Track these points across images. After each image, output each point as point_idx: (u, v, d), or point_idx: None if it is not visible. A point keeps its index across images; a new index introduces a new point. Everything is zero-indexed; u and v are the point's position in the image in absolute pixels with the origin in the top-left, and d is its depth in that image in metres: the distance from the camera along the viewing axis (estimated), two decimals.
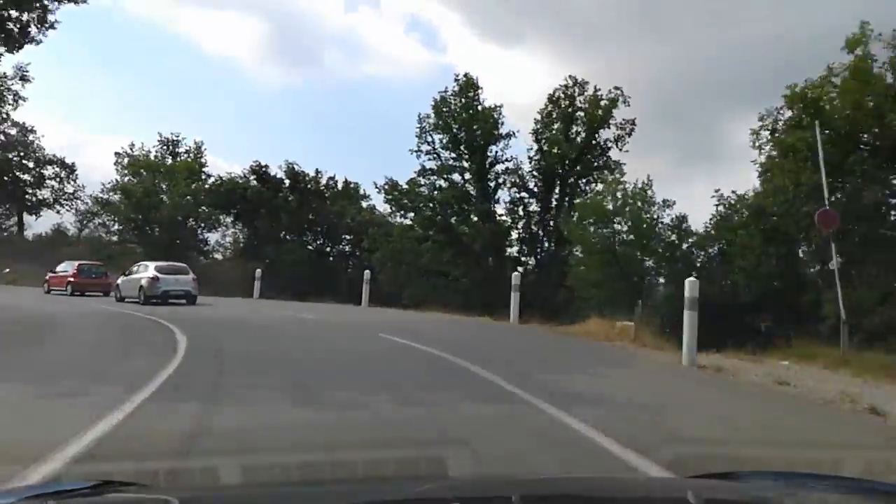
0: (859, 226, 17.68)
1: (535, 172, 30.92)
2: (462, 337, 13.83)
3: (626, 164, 30.29)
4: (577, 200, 28.08)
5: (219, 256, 45.09)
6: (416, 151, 31.32)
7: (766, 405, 7.82)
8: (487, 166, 31.36)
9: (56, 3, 23.07)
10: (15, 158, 41.62)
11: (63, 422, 5.00)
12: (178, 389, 6.56)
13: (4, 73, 30.79)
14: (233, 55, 66.51)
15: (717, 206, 22.91)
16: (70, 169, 42.69)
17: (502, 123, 31.04)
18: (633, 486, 2.26)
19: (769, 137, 20.11)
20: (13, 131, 41.41)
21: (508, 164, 31.31)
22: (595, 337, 14.64)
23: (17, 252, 37.98)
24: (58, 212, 42.78)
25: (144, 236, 35.85)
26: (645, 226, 23.48)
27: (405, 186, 31.17)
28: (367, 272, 25.35)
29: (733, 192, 22.74)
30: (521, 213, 31.22)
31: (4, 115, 39.87)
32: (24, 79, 30.64)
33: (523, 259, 32.33)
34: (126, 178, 36.25)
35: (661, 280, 25.04)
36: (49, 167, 42.55)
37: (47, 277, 27.61)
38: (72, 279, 26.06)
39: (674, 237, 24.13)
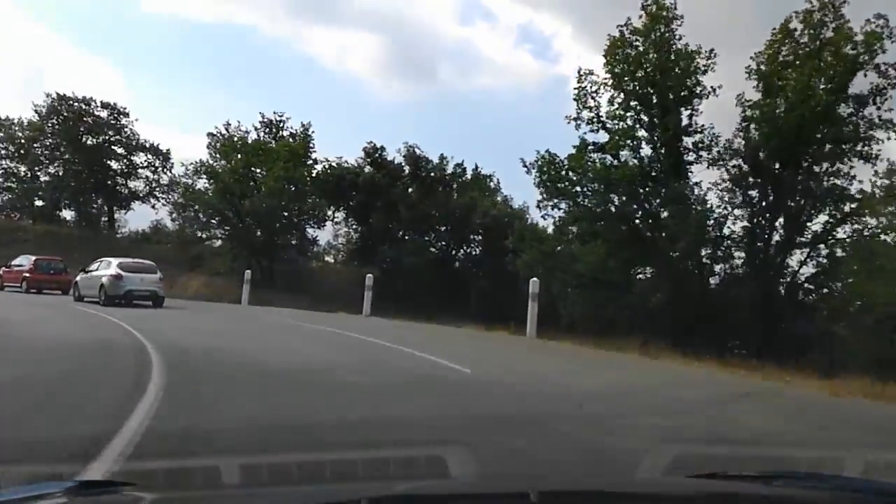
0: None
1: (752, 142, 21.18)
2: None
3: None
4: None
5: (330, 259, 38.43)
6: (574, 119, 22.39)
7: None
8: (681, 135, 22.03)
9: None
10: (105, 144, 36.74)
11: None
12: None
13: None
14: (352, 70, 65.84)
15: None
16: (164, 157, 37.35)
17: (704, 71, 21.61)
18: (633, 486, 2.24)
19: None
20: (103, 113, 36.56)
21: (702, 134, 21.92)
22: None
23: (106, 251, 32.71)
24: (153, 206, 37.59)
25: (236, 232, 29.18)
26: None
27: (564, 161, 22.31)
28: (533, 282, 16.89)
29: None
30: (738, 199, 21.57)
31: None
32: None
33: (718, 267, 22.82)
34: (218, 163, 29.79)
35: None
36: (141, 154, 37.40)
37: (0, 273, 25.72)
38: (28, 275, 24.20)
39: None
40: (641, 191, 21.92)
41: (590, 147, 22.41)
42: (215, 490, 2.46)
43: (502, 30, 68.27)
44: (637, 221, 22.35)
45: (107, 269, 19.48)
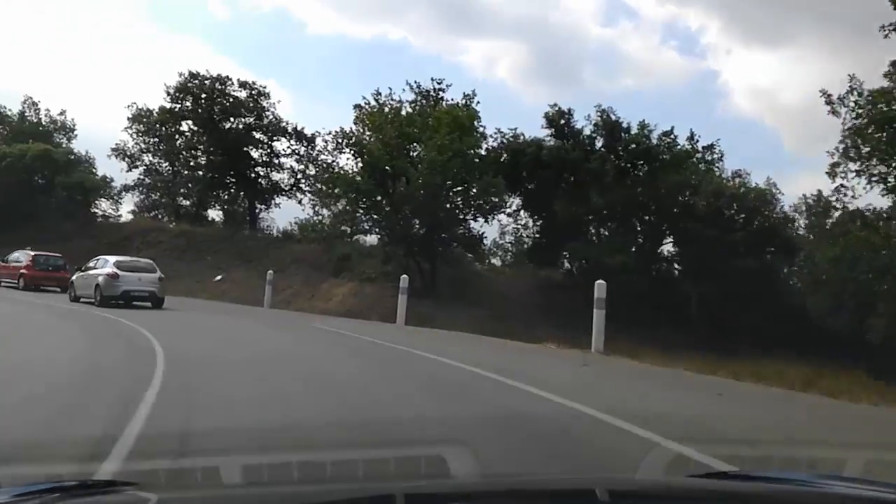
0: None
1: None
2: None
3: None
4: None
5: (496, 261, 31.27)
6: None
7: None
8: None
9: None
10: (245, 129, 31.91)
11: None
12: None
13: None
14: (499, 77, 65.74)
15: None
16: (309, 141, 31.92)
17: None
18: (633, 486, 2.28)
19: None
20: (241, 94, 31.77)
21: None
22: None
23: (242, 252, 27.76)
24: (299, 201, 32.32)
25: (388, 222, 22.46)
26: None
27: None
28: None
29: None
30: None
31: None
32: None
33: None
34: (367, 139, 23.28)
35: None
36: (283, 139, 32.20)
37: None
38: (25, 271, 23.14)
39: None
40: None
41: None
42: (216, 490, 2.30)
43: (646, 28, 66.51)
44: None
45: (103, 267, 18.22)
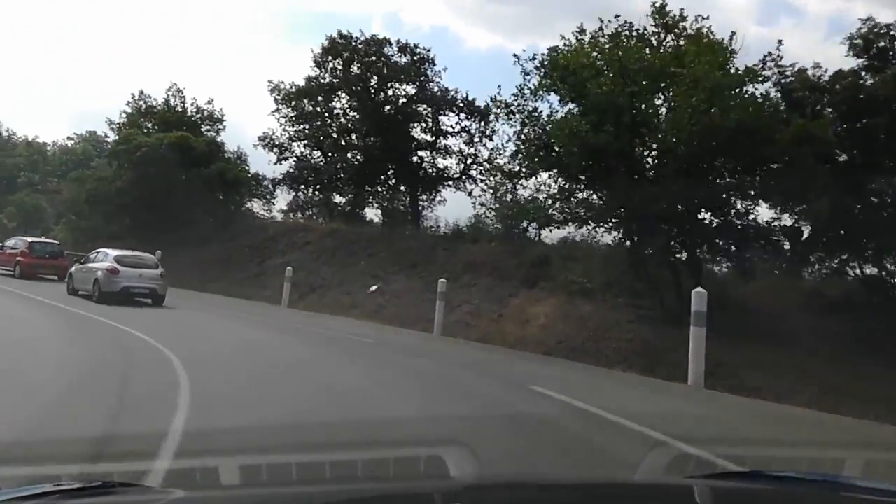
0: None
1: None
2: None
3: None
4: None
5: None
6: None
7: None
8: None
9: None
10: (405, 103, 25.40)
11: None
12: None
13: None
14: None
15: None
16: (482, 116, 24.76)
17: None
18: (633, 486, 2.25)
19: None
20: (402, 60, 25.25)
21: None
22: None
23: (402, 256, 21.20)
24: (469, 193, 25.39)
25: (628, 199, 13.92)
26: None
27: None
28: None
29: None
30: None
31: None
32: None
33: None
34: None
35: None
36: (450, 114, 25.32)
37: None
38: (21, 259, 22.06)
39: None
40: None
41: None
42: (214, 490, 2.37)
43: (809, 24, 63.30)
44: None
45: (103, 261, 17.33)
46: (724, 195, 14.26)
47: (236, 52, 63.99)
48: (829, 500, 1.81)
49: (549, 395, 7.96)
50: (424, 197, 26.30)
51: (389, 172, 26.61)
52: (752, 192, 14.44)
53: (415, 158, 25.86)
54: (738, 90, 14.04)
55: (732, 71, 14.19)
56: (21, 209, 47.45)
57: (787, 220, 16.22)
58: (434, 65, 25.22)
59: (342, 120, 26.38)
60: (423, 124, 25.55)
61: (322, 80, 24.97)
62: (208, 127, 30.25)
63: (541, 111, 14.32)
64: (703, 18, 15.24)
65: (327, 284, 21.04)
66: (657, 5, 15.09)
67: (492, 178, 22.43)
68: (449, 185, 25.88)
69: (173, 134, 26.42)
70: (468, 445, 3.60)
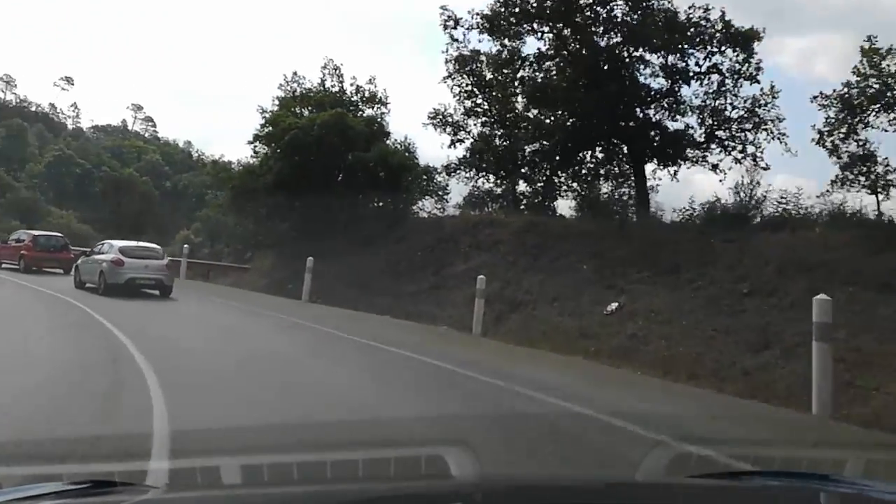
0: None
1: None
2: None
3: None
4: None
5: None
6: None
7: None
8: None
9: None
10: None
11: None
12: None
13: None
14: (818, 74, 49.69)
15: None
16: (745, 43, 16.57)
17: None
18: (633, 486, 2.25)
19: None
20: None
21: None
22: None
23: (652, 251, 13.79)
24: (713, 167, 17.36)
25: None
26: None
27: None
28: None
29: None
30: None
31: None
32: None
33: None
34: None
35: None
36: (694, 49, 17.31)
37: None
38: (25, 252, 21.69)
39: None
40: None
41: None
42: (216, 490, 2.31)
43: None
44: None
45: (108, 252, 16.92)
46: None
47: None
48: (829, 500, 1.76)
49: None
50: (661, 172, 18.56)
51: (600, 144, 19.22)
52: None
53: (641, 119, 18.21)
54: None
55: None
56: (206, 225, 47.98)
57: None
58: None
59: (536, 72, 19.28)
60: (652, 66, 17.80)
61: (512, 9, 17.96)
62: (370, 111, 24.81)
63: None
64: None
65: (533, 299, 14.19)
66: None
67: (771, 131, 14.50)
68: (695, 154, 17.94)
69: (327, 112, 21.12)
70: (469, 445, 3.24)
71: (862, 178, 14.19)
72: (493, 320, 13.65)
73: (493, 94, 21.98)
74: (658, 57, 17.61)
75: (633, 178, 18.73)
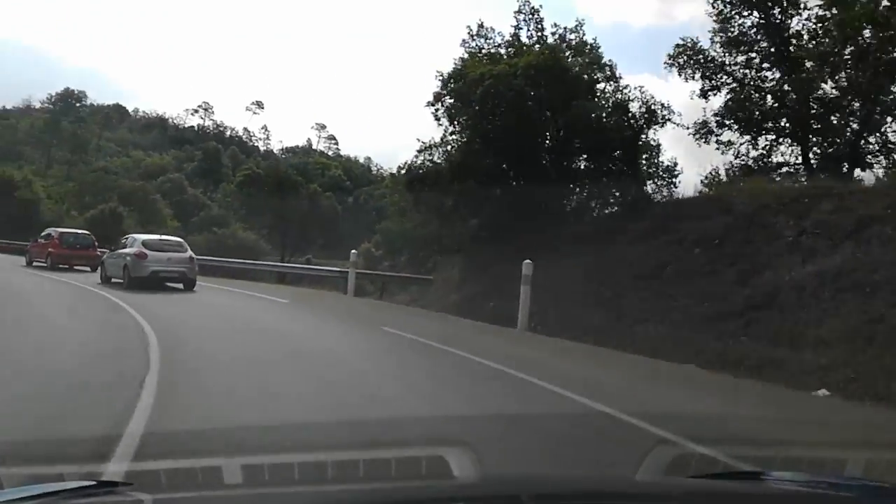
0: None
1: None
2: None
3: None
4: None
5: None
6: None
7: None
8: None
9: None
10: None
11: None
12: None
13: None
14: None
15: None
16: None
17: None
18: (633, 486, 2.16)
19: None
20: None
21: None
22: None
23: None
24: None
25: None
26: None
27: None
28: None
29: None
30: None
31: None
32: None
33: None
34: None
35: None
36: None
37: (28, 247, 23.50)
38: (52, 249, 21.87)
39: None
40: None
41: None
42: (216, 490, 2.30)
43: None
44: None
45: (132, 246, 16.77)
46: None
47: None
48: (829, 500, 1.77)
49: None
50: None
51: None
52: None
53: None
54: None
55: None
56: (386, 237, 46.28)
57: None
58: None
59: None
60: None
61: None
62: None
63: None
64: None
65: None
66: None
67: None
68: None
69: (533, 53, 14.58)
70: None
71: None
72: None
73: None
74: None
75: None
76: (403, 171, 16.78)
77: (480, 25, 17.16)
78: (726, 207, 12.02)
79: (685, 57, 16.10)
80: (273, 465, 2.84)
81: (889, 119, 15.64)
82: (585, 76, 15.60)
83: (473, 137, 15.02)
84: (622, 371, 8.21)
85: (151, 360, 6.66)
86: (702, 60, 16.17)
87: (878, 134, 15.91)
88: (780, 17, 16.19)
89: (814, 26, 15.50)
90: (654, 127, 15.74)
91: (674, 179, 16.24)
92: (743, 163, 16.51)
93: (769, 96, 16.57)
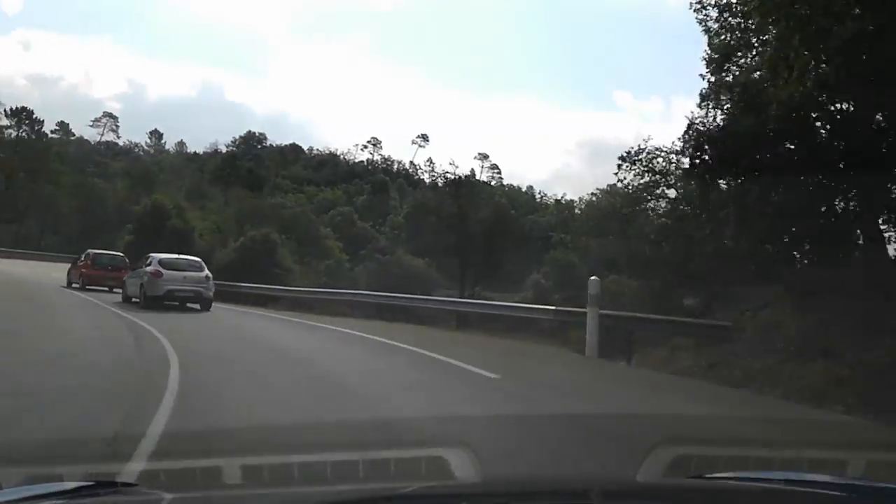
0: None
1: None
2: None
3: None
4: None
5: None
6: None
7: None
8: None
9: None
10: None
11: None
12: None
13: None
14: None
15: None
16: None
17: None
18: (633, 486, 2.17)
19: None
20: None
21: None
22: None
23: None
24: None
25: None
26: None
27: None
28: None
29: None
30: None
31: None
32: None
33: None
34: None
35: None
36: None
37: (69, 269, 23.67)
38: (84, 270, 22.41)
39: None
40: None
41: None
42: (216, 490, 2.41)
43: None
44: None
45: (149, 266, 16.62)
46: None
47: None
48: (830, 501, 1.73)
49: None
50: None
51: None
52: None
53: None
54: None
55: None
56: (554, 267, 42.95)
57: None
58: None
59: None
60: None
61: None
62: None
63: None
64: None
65: None
66: None
67: None
68: None
69: None
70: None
71: None
72: None
73: None
74: None
75: None
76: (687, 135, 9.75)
77: None
78: None
79: None
80: (272, 464, 2.79)
81: None
82: None
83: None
84: None
85: None
86: None
87: None
88: None
89: None
90: None
91: None
92: None
93: None
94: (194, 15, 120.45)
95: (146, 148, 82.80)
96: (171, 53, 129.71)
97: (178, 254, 17.95)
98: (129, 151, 79.23)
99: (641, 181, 14.50)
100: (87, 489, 1.64)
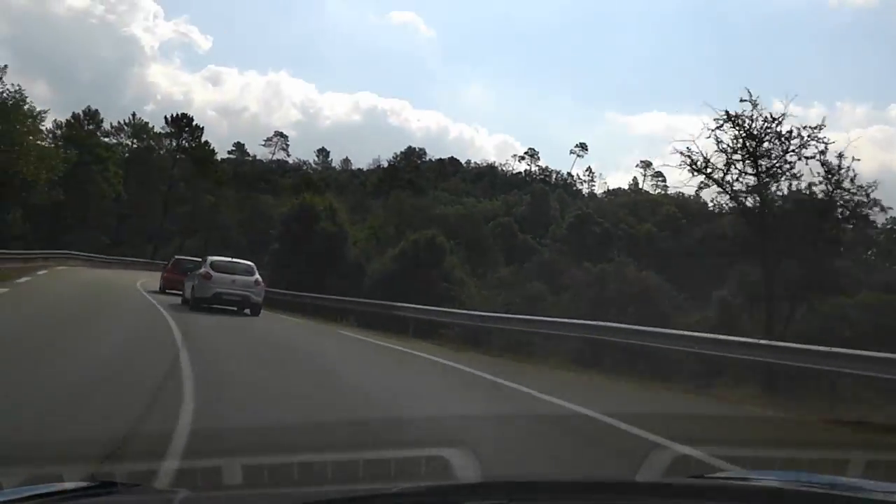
0: None
1: None
2: None
3: None
4: None
5: None
6: None
7: None
8: None
9: None
10: None
11: None
12: None
13: None
14: None
15: None
16: None
17: None
18: (633, 486, 2.13)
19: None
20: None
21: None
22: None
23: None
24: None
25: None
26: None
27: None
28: None
29: None
30: None
31: None
32: None
33: None
34: None
35: None
36: None
37: (162, 273, 24.80)
38: (165, 273, 23.78)
39: None
40: None
41: None
42: (217, 490, 2.40)
43: None
44: None
45: (202, 268, 16.90)
46: None
47: None
48: (830, 501, 1.70)
49: None
50: None
51: None
52: None
53: None
54: None
55: None
56: (744, 281, 35.36)
57: None
58: None
59: None
60: None
61: None
62: None
63: None
64: None
65: None
66: None
67: None
68: None
69: None
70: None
71: None
72: None
73: None
74: None
75: None
76: None
77: None
78: None
79: None
80: (272, 464, 2.77)
81: None
82: None
83: None
84: None
85: None
86: None
87: None
88: None
89: None
90: None
91: None
92: None
93: None
94: (359, 48, 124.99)
95: (314, 165, 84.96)
96: (339, 82, 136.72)
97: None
98: (297, 169, 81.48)
99: None
100: (86, 489, 1.64)
